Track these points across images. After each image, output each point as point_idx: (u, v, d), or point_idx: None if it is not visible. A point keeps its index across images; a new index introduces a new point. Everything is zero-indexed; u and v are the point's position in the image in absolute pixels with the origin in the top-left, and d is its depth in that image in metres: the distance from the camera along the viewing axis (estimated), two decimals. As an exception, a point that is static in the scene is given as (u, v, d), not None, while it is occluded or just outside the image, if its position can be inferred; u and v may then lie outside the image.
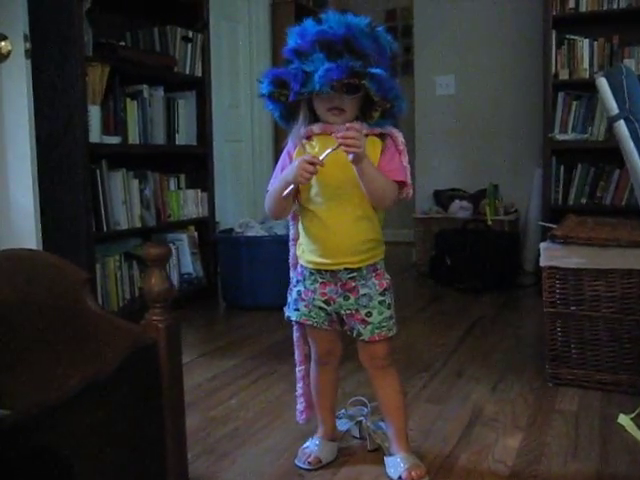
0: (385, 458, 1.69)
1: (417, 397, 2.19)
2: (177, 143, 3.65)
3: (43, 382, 1.08)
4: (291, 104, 1.54)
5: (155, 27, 3.56)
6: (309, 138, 1.59)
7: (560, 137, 4.32)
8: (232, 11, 4.67)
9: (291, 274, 1.75)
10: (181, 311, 3.46)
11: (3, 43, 2.11)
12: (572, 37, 4.34)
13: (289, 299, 1.72)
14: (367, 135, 1.55)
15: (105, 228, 3.12)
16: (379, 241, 1.64)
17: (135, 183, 3.35)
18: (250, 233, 3.66)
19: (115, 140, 3.20)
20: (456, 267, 4.08)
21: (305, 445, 1.77)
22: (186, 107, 3.72)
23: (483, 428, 1.94)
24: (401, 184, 1.57)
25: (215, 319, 3.46)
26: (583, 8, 4.24)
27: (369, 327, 1.61)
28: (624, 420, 1.92)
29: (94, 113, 3.04)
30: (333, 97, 1.49)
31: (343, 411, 1.92)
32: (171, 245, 3.65)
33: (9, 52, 2.15)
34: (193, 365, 2.59)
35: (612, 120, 3.29)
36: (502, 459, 1.73)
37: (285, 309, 1.73)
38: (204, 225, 3.85)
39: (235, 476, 1.68)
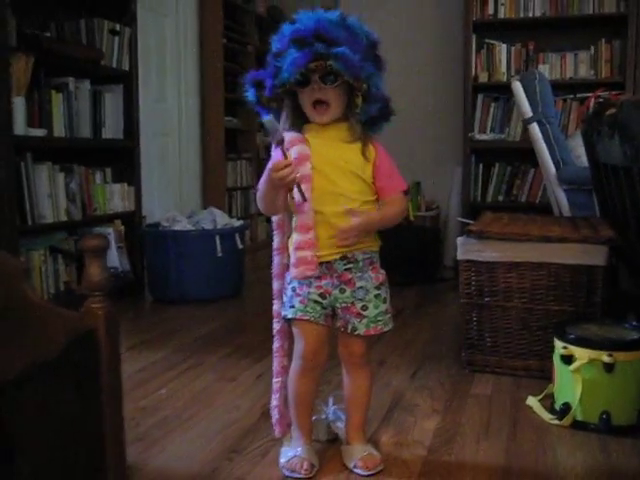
0: (342, 447, 1.74)
1: (341, 385, 2.28)
2: (103, 137, 3.63)
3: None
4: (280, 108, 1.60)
5: (82, 19, 3.53)
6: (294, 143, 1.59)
7: (479, 137, 4.52)
8: (159, 5, 4.65)
9: (274, 285, 1.71)
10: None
11: None
12: (491, 42, 4.54)
13: (284, 299, 1.67)
14: (351, 142, 1.60)
15: (30, 221, 3.09)
16: (374, 233, 1.68)
17: (61, 176, 3.32)
18: (177, 227, 3.69)
19: (40, 133, 3.17)
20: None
21: (290, 455, 1.67)
22: (113, 101, 3.70)
23: (403, 412, 2.05)
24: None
25: (142, 313, 3.47)
26: (501, 14, 4.46)
27: (364, 321, 1.62)
28: (532, 401, 2.07)
29: (18, 105, 3.00)
30: (314, 89, 1.53)
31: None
32: (97, 239, 3.63)
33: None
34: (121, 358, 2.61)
35: (526, 122, 3.49)
36: (420, 439, 1.84)
37: (281, 311, 1.69)
38: (130, 219, 3.84)
39: (166, 461, 1.74)
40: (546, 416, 1.97)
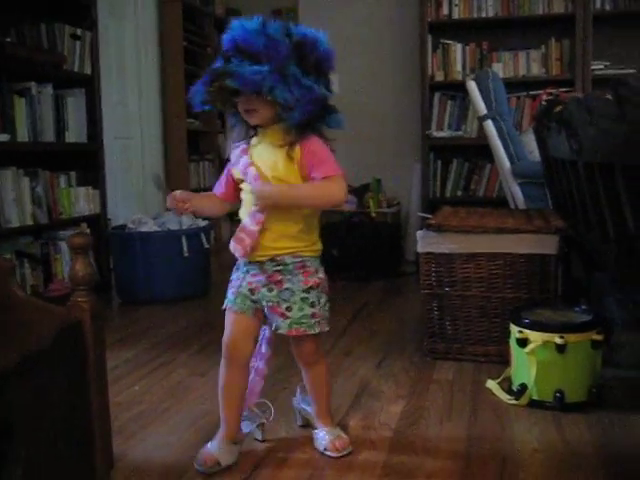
0: (313, 432, 1.83)
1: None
2: (67, 141, 3.65)
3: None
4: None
5: (42, 24, 3.55)
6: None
7: (437, 134, 4.65)
8: (119, 9, 4.68)
9: None
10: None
11: None
12: (446, 42, 4.67)
13: None
14: (282, 145, 1.63)
15: (-4, 226, 3.11)
16: (308, 237, 1.70)
17: (26, 181, 3.34)
18: (143, 229, 3.73)
19: (4, 138, 3.19)
20: (343, 258, 4.31)
21: (205, 447, 1.74)
22: (75, 105, 3.73)
23: (369, 399, 2.15)
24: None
25: (111, 314, 3.51)
26: (456, 15, 4.59)
27: (287, 321, 1.68)
28: (491, 384, 2.18)
29: (-19, 110, 3.03)
30: (243, 99, 1.60)
31: (246, 413, 1.85)
32: (63, 242, 3.66)
33: None
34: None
35: (481, 119, 3.62)
36: (387, 422, 1.94)
37: None
38: (96, 222, 3.87)
39: (145, 452, 1.80)
40: (504, 397, 2.09)
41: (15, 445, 0.98)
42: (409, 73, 4.92)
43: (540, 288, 2.39)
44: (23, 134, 3.34)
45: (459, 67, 4.69)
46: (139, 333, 3.03)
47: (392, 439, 1.84)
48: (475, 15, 4.58)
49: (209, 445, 1.74)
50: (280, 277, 1.68)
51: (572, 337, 1.97)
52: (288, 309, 1.68)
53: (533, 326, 2.03)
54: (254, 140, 1.71)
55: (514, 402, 2.04)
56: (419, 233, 2.50)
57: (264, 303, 1.70)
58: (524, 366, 2.04)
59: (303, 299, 1.68)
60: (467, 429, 1.89)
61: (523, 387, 2.03)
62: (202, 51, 5.44)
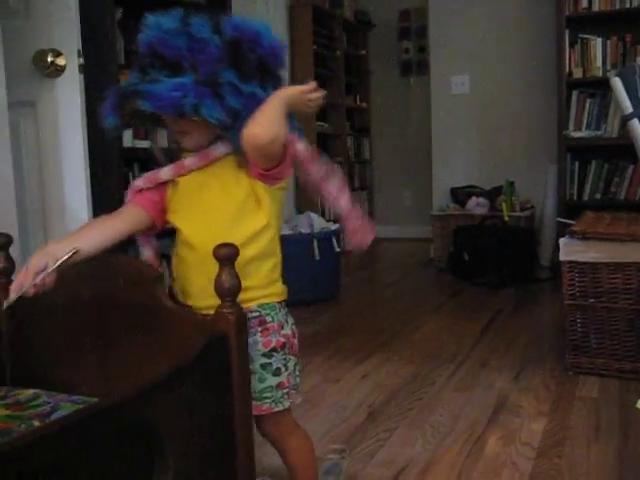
0: None
1: (445, 385, 2.32)
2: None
3: (125, 372, 1.21)
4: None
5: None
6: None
7: (574, 134, 4.42)
8: (251, 14, 4.79)
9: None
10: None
11: (58, 59, 2.24)
12: (585, 36, 4.43)
13: None
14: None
15: (138, 229, 3.25)
16: (265, 271, 1.29)
17: (165, 185, 3.48)
18: (275, 232, 3.78)
19: (145, 144, 3.33)
20: (474, 262, 4.19)
21: None
22: (211, 111, 3.84)
23: (509, 414, 2.06)
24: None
25: (243, 315, 3.58)
26: (596, 7, 4.34)
27: None
28: (642, 405, 2.04)
29: (127, 119, 3.17)
30: (168, 119, 1.26)
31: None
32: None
33: (64, 67, 2.29)
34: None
35: (626, 118, 3.39)
36: (528, 441, 1.85)
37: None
38: (229, 224, 3.96)
39: (280, 460, 1.80)
40: (658, 420, 1.94)
41: (164, 456, 1.00)
42: (545, 70, 4.72)
43: (697, 302, 2.21)
44: (163, 140, 3.47)
45: (599, 63, 4.43)
46: (271, 336, 3.06)
47: (535, 460, 1.74)
48: (617, 6, 4.32)
49: None
50: None
51: None
52: None
53: (693, 344, 1.87)
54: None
55: (670, 426, 1.90)
56: (562, 240, 2.37)
57: None
58: (682, 387, 1.89)
59: (264, 366, 1.27)
60: (618, 454, 1.77)
61: (680, 410, 1.88)
62: (331, 54, 5.48)
